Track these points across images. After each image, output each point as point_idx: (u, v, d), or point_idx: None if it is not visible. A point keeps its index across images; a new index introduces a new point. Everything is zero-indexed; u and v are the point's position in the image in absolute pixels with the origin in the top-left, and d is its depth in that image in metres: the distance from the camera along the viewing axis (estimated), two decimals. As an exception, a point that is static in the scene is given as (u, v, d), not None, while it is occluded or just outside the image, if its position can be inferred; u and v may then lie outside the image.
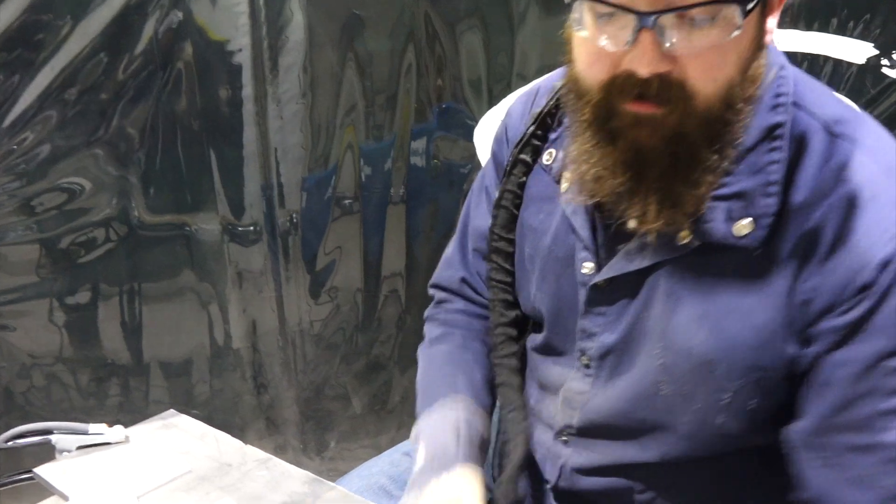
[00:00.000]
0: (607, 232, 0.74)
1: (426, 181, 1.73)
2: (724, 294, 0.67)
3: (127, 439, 0.96)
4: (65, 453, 0.92)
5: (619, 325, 0.75)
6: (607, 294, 0.75)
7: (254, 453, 0.94)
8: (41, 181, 1.52)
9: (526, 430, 0.85)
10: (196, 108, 1.61)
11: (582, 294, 0.77)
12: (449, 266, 0.98)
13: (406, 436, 1.08)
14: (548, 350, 0.85)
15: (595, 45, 0.62)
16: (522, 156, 0.82)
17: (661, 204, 0.64)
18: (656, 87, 0.60)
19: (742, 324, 0.67)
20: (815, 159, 0.65)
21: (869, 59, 1.28)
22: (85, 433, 0.94)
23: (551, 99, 0.82)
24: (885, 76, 1.27)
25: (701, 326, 0.68)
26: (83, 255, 1.59)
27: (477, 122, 1.66)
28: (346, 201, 1.77)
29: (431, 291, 1.01)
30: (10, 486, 0.89)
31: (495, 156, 0.92)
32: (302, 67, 1.64)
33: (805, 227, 0.64)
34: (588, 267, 0.76)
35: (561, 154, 0.79)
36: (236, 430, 1.84)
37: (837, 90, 1.31)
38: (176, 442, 0.96)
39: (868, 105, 1.29)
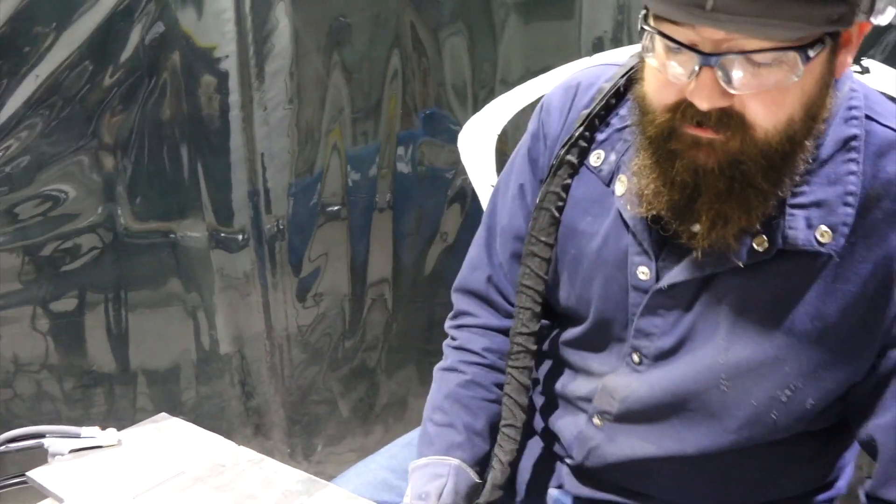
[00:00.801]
0: (665, 239, 0.75)
1: (412, 187, 1.74)
2: (800, 297, 0.69)
3: (119, 442, 0.96)
4: (57, 457, 0.92)
5: (678, 329, 0.77)
6: (669, 298, 0.76)
7: (247, 453, 0.95)
8: (26, 188, 1.52)
9: (512, 452, 0.87)
10: (182, 115, 1.62)
11: (635, 297, 0.79)
12: (474, 268, 0.96)
13: (394, 438, 1.10)
14: (586, 346, 0.87)
15: (664, 74, 0.65)
16: (569, 157, 0.81)
17: (712, 224, 0.67)
18: (715, 119, 0.63)
19: (817, 326, 0.69)
20: (894, 165, 0.67)
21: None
22: (77, 436, 0.94)
23: (601, 101, 0.81)
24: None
25: (774, 327, 0.70)
26: (68, 262, 1.59)
27: (461, 127, 1.68)
28: (333, 207, 1.78)
29: (455, 297, 0.99)
30: (3, 491, 0.89)
31: (530, 151, 0.89)
32: (288, 73, 1.65)
33: (891, 232, 0.66)
34: (644, 272, 0.77)
35: (612, 156, 0.80)
36: (223, 435, 1.83)
37: None
38: (168, 444, 0.97)
39: None
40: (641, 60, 0.70)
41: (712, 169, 0.65)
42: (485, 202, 1.31)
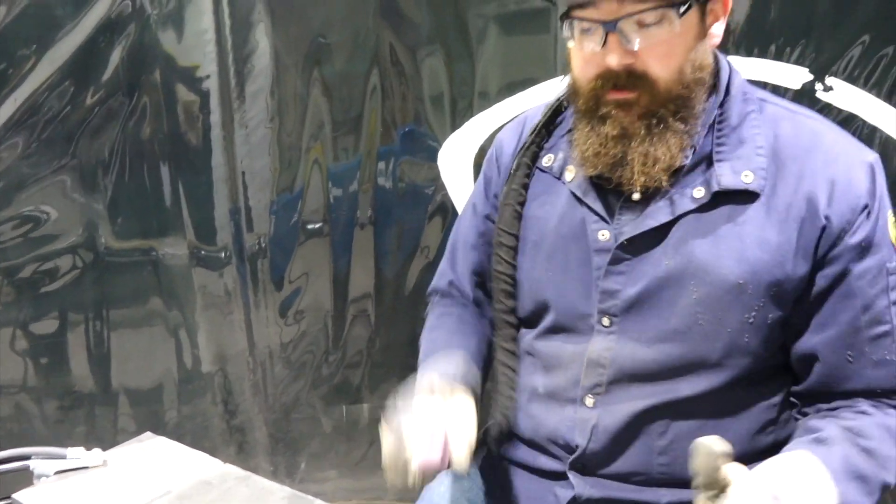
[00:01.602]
0: (617, 202, 0.91)
1: (393, 202, 1.76)
2: (742, 229, 0.85)
3: (105, 463, 0.97)
4: (43, 478, 0.92)
5: (642, 278, 0.89)
6: (630, 252, 0.89)
7: (233, 471, 0.96)
8: (6, 209, 1.51)
9: (512, 408, 0.97)
10: (164, 134, 1.63)
11: (598, 260, 0.91)
12: (440, 276, 1.13)
13: (378, 454, 1.11)
14: (556, 330, 0.95)
15: (582, 52, 0.85)
16: (525, 159, 0.98)
17: (643, 164, 0.85)
18: (625, 78, 0.82)
19: (762, 249, 0.85)
20: (789, 128, 0.87)
21: (804, 84, 1.37)
22: (63, 458, 0.94)
23: (547, 113, 1.00)
24: (819, 100, 1.36)
25: (729, 257, 0.85)
26: (48, 283, 1.59)
27: (440, 144, 1.70)
28: (314, 224, 1.79)
29: (429, 298, 1.14)
30: (-12, 513, 0.89)
31: (485, 175, 1.07)
32: (269, 93, 1.67)
33: (803, 175, 0.84)
34: (604, 234, 0.91)
35: (560, 155, 0.97)
36: (206, 454, 1.83)
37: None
38: (154, 463, 0.97)
39: (807, 124, 1.38)
40: (569, 57, 0.88)
41: (634, 121, 0.83)
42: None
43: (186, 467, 0.96)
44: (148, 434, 1.04)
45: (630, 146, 0.84)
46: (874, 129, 1.37)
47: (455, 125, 1.68)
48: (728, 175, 0.85)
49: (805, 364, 0.88)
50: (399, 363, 1.85)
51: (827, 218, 0.83)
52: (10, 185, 1.50)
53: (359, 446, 1.95)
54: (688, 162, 0.87)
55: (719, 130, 0.87)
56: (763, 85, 1.38)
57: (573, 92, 0.89)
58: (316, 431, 1.94)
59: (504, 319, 1.01)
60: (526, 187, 0.98)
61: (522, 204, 0.98)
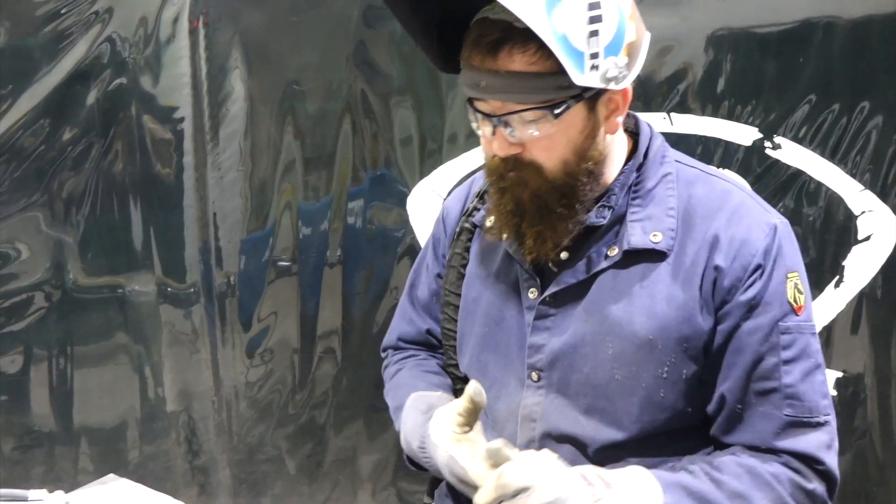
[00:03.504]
0: (544, 262, 0.95)
1: (362, 244, 1.79)
2: (653, 287, 0.90)
3: (67, 504, 0.97)
4: (3, 520, 0.92)
5: (564, 333, 0.93)
6: (553, 306, 0.94)
7: (197, 513, 0.96)
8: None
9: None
10: (137, 174, 1.65)
11: (528, 317, 0.96)
12: (391, 331, 1.19)
13: (342, 495, 1.12)
14: (494, 386, 0.98)
15: (484, 137, 0.91)
16: (467, 224, 1.05)
17: (534, 240, 0.90)
18: (516, 164, 0.89)
19: (669, 306, 0.89)
20: (701, 190, 0.93)
21: (754, 141, 1.46)
22: (25, 500, 0.94)
23: (486, 183, 1.03)
24: (769, 156, 1.44)
25: (640, 314, 0.90)
26: (14, 320, 1.58)
27: (410, 189, 1.75)
28: (284, 262, 1.81)
29: (382, 354, 1.19)
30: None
31: (433, 237, 1.14)
32: (242, 136, 1.70)
33: (707, 234, 0.90)
34: (533, 292, 0.96)
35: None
36: (169, 496, 1.80)
37: (728, 168, 1.48)
38: (117, 505, 0.97)
39: (756, 181, 1.45)
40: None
41: (526, 199, 0.90)
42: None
43: (150, 509, 0.97)
44: (111, 476, 1.04)
45: (524, 221, 0.90)
46: (819, 185, 1.45)
47: (424, 172, 1.73)
48: (638, 235, 0.91)
49: (715, 413, 0.92)
50: (365, 404, 1.86)
51: (722, 273, 0.88)
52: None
53: (322, 489, 1.94)
54: (605, 222, 0.92)
55: (635, 192, 0.93)
56: (715, 141, 1.46)
57: (486, 167, 0.95)
58: (280, 472, 1.93)
59: (454, 374, 1.07)
60: (468, 249, 1.05)
61: (465, 265, 1.05)
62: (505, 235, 0.94)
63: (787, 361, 0.88)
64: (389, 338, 1.18)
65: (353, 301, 1.84)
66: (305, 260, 1.81)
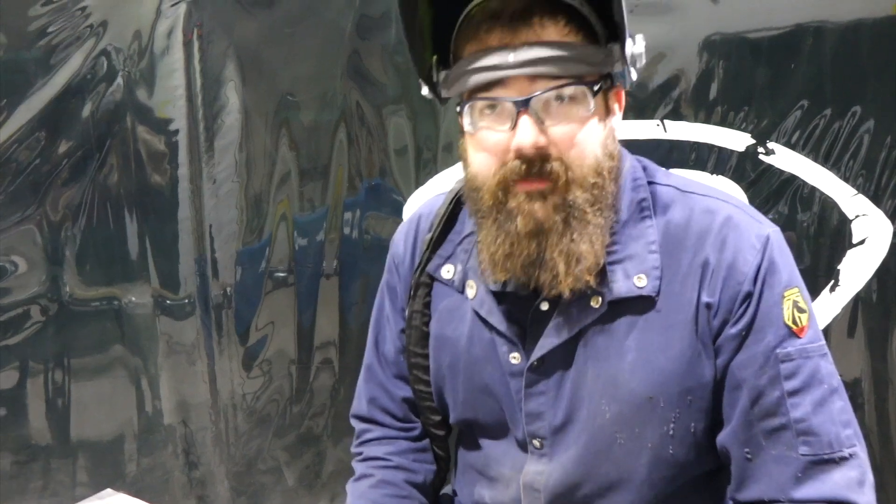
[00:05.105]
0: (524, 321, 0.84)
1: (358, 254, 1.79)
2: (645, 338, 0.80)
3: (62, 519, 0.96)
4: (-2, 535, 0.91)
5: (562, 401, 0.84)
6: (542, 372, 0.84)
7: (193, 526, 0.96)
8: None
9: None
10: (133, 186, 1.65)
11: (515, 384, 0.86)
12: (358, 396, 1.05)
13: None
14: (491, 450, 0.92)
15: (485, 140, 0.76)
16: (423, 279, 0.92)
17: (567, 264, 0.76)
18: (539, 165, 0.74)
19: (666, 357, 0.79)
20: (680, 213, 0.81)
21: (748, 147, 1.46)
22: (20, 514, 0.93)
23: (438, 224, 0.92)
24: (762, 162, 1.45)
25: (636, 370, 0.80)
26: (10, 335, 1.57)
27: (405, 198, 1.75)
28: (280, 273, 1.81)
29: (352, 422, 1.07)
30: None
31: (388, 283, 1.00)
32: (238, 147, 1.71)
33: (693, 263, 0.79)
34: (515, 357, 0.85)
35: (459, 266, 0.89)
36: (165, 508, 1.80)
37: (722, 174, 1.48)
38: (113, 519, 0.97)
39: (750, 186, 1.46)
40: (463, 152, 0.81)
41: (549, 214, 0.75)
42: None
43: (146, 523, 0.96)
44: (108, 491, 1.04)
45: (547, 244, 0.75)
46: (813, 189, 1.45)
47: (419, 181, 1.73)
48: (621, 281, 0.79)
49: (725, 460, 0.82)
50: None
51: (712, 309, 0.78)
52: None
53: (321, 500, 1.93)
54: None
55: (610, 229, 0.80)
56: (709, 148, 1.47)
57: (473, 189, 0.79)
58: (278, 484, 1.92)
59: (434, 433, 0.99)
60: (428, 305, 0.92)
61: (428, 323, 0.93)
62: (504, 275, 0.79)
63: (792, 393, 0.76)
64: (359, 405, 1.04)
65: (350, 311, 1.83)
66: (302, 271, 1.81)
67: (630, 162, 0.85)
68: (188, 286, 1.77)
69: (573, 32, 0.74)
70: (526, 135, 0.73)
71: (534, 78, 0.73)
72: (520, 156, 0.74)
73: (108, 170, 1.63)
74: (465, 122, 0.78)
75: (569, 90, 0.74)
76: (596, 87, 0.75)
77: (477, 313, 0.87)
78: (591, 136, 0.76)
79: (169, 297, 1.77)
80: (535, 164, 0.74)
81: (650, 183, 0.84)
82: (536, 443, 0.86)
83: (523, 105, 0.73)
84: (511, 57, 0.72)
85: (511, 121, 0.74)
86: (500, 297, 0.85)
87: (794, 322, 0.78)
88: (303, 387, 1.87)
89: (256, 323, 1.83)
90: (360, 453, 1.03)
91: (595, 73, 0.75)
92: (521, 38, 0.73)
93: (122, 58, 1.64)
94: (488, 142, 0.77)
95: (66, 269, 1.61)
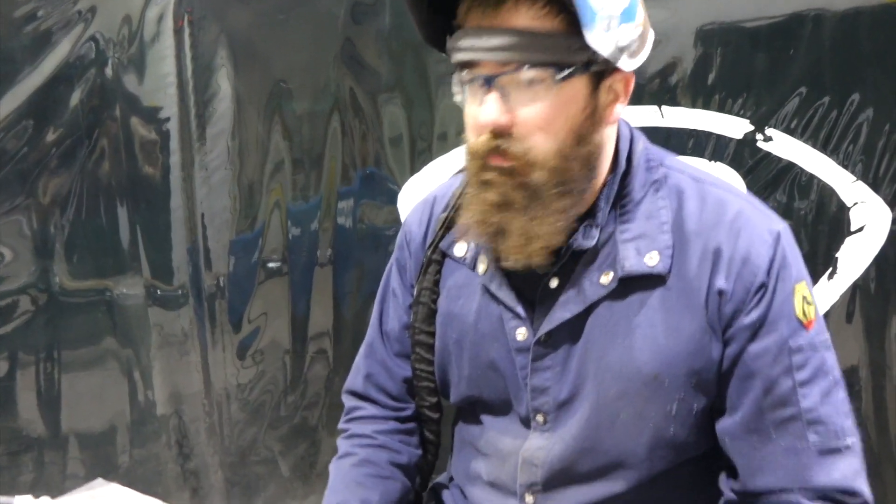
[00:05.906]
0: (533, 298, 0.86)
1: (353, 243, 1.78)
2: (654, 316, 0.82)
3: (54, 511, 0.95)
4: (-12, 528, 0.90)
5: (568, 376, 0.85)
6: (551, 347, 0.86)
7: (187, 518, 0.95)
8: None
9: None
10: (123, 175, 1.63)
11: (521, 360, 0.87)
12: (356, 372, 1.06)
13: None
14: (491, 426, 0.93)
15: (468, 113, 0.81)
16: (435, 256, 0.94)
17: (523, 240, 0.79)
18: (504, 143, 0.78)
19: (674, 338, 0.81)
20: (694, 200, 0.84)
21: (746, 134, 1.45)
22: (10, 507, 0.92)
23: (454, 203, 0.93)
24: (760, 149, 1.44)
25: (643, 348, 0.82)
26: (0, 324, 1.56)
27: (400, 187, 1.74)
28: (274, 263, 1.80)
29: (343, 398, 1.08)
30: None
31: (398, 261, 1.02)
32: (230, 135, 1.69)
33: (706, 250, 0.81)
34: (522, 332, 0.86)
35: (472, 244, 0.91)
36: (159, 500, 1.79)
37: (720, 161, 1.47)
38: (105, 511, 0.96)
39: (748, 173, 1.45)
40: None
41: (512, 191, 0.78)
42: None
43: (138, 515, 0.95)
44: (99, 481, 1.03)
45: (509, 216, 0.79)
46: (812, 176, 1.44)
47: (414, 169, 1.72)
48: (632, 258, 0.81)
49: (726, 451, 0.84)
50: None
51: (725, 296, 0.80)
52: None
53: (315, 490, 1.93)
54: (594, 243, 0.82)
55: (622, 207, 0.83)
56: (707, 134, 1.46)
57: (467, 154, 0.84)
58: (273, 474, 1.91)
59: (426, 415, 1.00)
60: (438, 283, 0.94)
61: (436, 300, 0.94)
62: (476, 238, 0.83)
63: (802, 383, 0.79)
64: (355, 380, 1.04)
65: (345, 301, 1.82)
66: (295, 260, 1.80)
67: (643, 144, 0.87)
68: (180, 276, 1.75)
69: (550, 17, 0.75)
70: (487, 112, 0.77)
71: (502, 60, 0.76)
72: (485, 131, 0.78)
73: (98, 158, 1.61)
74: (455, 88, 0.82)
75: (528, 74, 0.76)
76: (561, 74, 0.76)
77: (487, 289, 0.89)
78: (557, 119, 0.77)
79: (161, 287, 1.75)
80: (502, 142, 0.78)
81: (664, 167, 0.87)
82: (540, 418, 0.88)
83: (487, 83, 0.76)
84: (481, 41, 0.76)
85: (482, 95, 0.78)
86: (509, 274, 0.87)
87: (804, 315, 0.81)
88: (297, 377, 1.86)
89: (250, 313, 1.82)
90: (347, 430, 1.04)
91: (568, 60, 0.76)
92: (491, 22, 0.76)
93: (112, 44, 1.62)
94: (469, 114, 0.81)
95: (55, 260, 1.59)
